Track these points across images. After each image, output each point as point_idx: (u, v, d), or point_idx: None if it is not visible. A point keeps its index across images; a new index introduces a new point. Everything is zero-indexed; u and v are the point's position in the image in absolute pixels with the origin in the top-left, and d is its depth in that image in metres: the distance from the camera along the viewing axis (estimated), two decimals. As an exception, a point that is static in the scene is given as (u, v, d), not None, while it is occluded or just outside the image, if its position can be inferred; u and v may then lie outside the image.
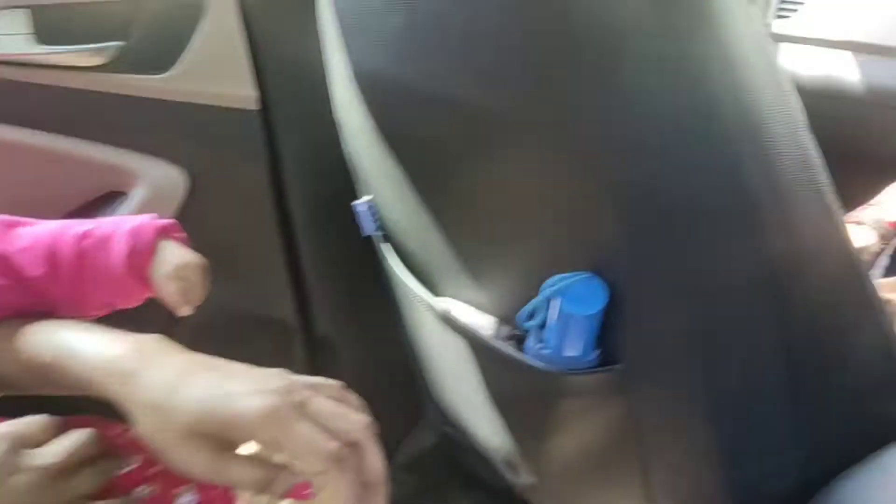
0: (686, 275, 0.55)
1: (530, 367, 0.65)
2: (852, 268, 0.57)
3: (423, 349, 0.87)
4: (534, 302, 0.60)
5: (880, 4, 1.10)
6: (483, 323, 0.70)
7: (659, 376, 0.61)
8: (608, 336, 0.61)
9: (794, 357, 0.59)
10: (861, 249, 1.04)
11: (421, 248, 0.77)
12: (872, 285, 0.59)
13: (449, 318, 0.72)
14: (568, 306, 0.57)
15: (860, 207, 1.11)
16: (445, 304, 0.75)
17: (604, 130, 0.51)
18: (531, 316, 0.61)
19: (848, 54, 1.10)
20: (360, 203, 0.80)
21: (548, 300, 0.59)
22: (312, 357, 1.05)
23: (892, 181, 1.13)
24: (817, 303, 0.57)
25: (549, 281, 0.59)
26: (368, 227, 0.81)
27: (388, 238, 0.80)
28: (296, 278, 0.99)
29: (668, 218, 0.53)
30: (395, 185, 0.69)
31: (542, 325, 0.62)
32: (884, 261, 1.08)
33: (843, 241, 0.56)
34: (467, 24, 0.52)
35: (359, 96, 0.65)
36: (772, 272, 0.54)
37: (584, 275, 0.58)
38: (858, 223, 1.06)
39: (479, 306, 0.72)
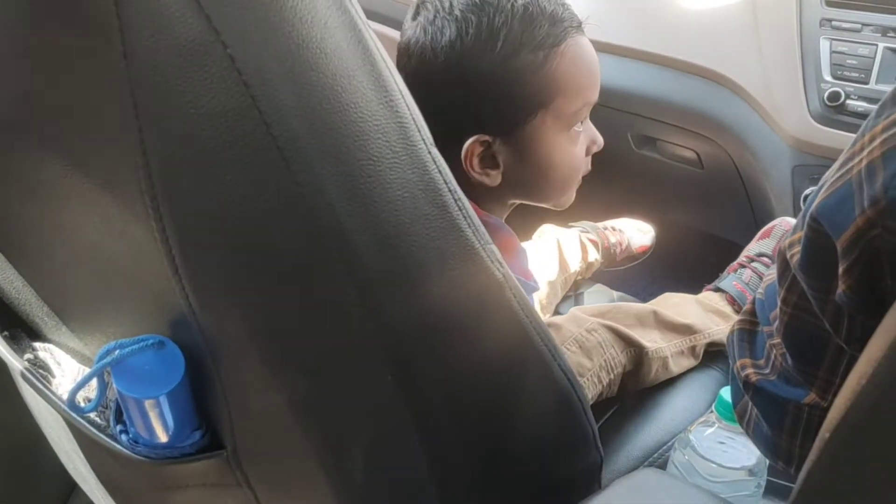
0: (285, 342, 0.41)
1: (122, 454, 0.48)
2: (511, 314, 0.46)
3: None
4: (85, 376, 0.43)
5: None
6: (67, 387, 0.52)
7: (273, 461, 0.47)
8: (210, 412, 0.46)
9: (439, 428, 0.47)
10: (590, 265, 0.98)
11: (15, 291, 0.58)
12: (540, 330, 0.48)
13: (28, 380, 0.54)
14: (121, 386, 0.41)
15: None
16: (43, 351, 0.57)
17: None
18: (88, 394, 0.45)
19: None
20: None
21: (104, 375, 0.43)
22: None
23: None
24: (462, 364, 0.45)
25: (107, 347, 0.42)
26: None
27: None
28: None
29: (255, 278, 0.39)
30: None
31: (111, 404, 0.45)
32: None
33: (492, 284, 0.44)
34: None
35: None
36: (393, 335, 0.42)
37: (151, 340, 0.42)
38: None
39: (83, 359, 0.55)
